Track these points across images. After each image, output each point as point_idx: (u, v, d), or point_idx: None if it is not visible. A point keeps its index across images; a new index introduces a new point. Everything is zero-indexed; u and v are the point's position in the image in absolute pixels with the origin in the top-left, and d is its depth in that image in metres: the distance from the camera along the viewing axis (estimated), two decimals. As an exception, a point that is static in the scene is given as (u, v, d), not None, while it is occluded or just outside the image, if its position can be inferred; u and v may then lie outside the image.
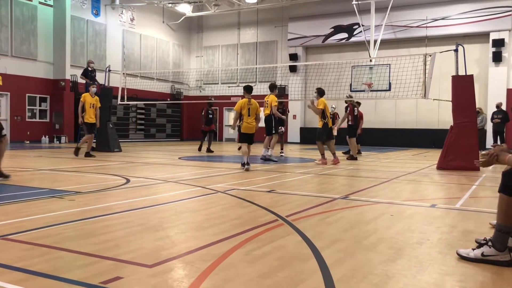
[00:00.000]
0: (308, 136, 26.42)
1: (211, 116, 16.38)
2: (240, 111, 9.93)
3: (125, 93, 16.63)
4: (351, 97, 15.26)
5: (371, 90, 24.12)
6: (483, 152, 3.33)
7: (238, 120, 10.31)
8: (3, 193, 6.17)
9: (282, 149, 15.03)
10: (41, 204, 5.14)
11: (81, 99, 13.18)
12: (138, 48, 27.41)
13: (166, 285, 2.60)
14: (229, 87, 29.37)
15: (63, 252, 3.20)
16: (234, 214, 4.78)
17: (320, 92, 12.06)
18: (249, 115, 9.86)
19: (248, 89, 10.19)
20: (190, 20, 30.48)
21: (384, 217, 4.75)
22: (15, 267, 2.82)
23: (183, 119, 30.77)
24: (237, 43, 29.89)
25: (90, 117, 13.09)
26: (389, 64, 22.72)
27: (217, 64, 30.37)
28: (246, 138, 10.04)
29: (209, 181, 7.68)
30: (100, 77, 17.64)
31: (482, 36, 22.78)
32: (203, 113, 16.38)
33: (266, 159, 12.29)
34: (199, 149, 16.49)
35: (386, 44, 23.94)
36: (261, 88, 25.39)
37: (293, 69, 26.63)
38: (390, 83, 22.97)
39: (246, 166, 9.57)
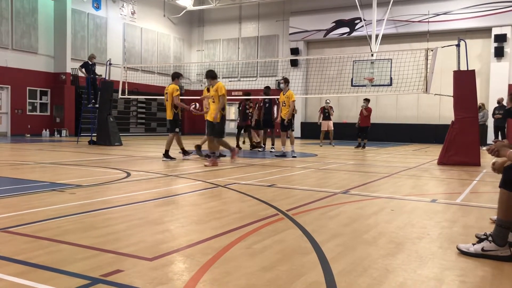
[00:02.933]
0: (309, 131, 26.43)
1: (248, 111, 14.74)
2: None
3: (126, 87, 16.60)
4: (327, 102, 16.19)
5: (372, 85, 24.09)
6: (484, 148, 3.33)
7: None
8: (4, 186, 6.18)
9: (273, 144, 14.58)
10: (42, 197, 5.15)
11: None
12: (139, 41, 27.35)
13: (166, 278, 2.60)
14: (230, 81, 29.31)
15: (63, 245, 3.21)
16: (235, 208, 4.79)
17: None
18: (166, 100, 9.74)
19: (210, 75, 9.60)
20: (191, 13, 30.39)
21: (385, 212, 4.76)
22: (16, 259, 2.83)
23: (184, 113, 30.71)
24: (238, 37, 29.82)
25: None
26: (391, 59, 22.68)
27: (218, 58, 30.30)
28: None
29: (210, 175, 7.68)
30: (100, 71, 17.62)
31: (484, 31, 22.70)
32: (240, 108, 15.23)
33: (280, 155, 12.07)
34: (238, 146, 14.15)
35: (387, 38, 23.87)
36: (262, 83, 25.39)
37: (294, 63, 26.57)
38: (391, 78, 22.95)
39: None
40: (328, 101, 18.33)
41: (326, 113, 18.02)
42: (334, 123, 18.52)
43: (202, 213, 4.57)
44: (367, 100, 17.34)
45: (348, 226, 4.06)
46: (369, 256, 3.12)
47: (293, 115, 12.04)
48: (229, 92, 27.87)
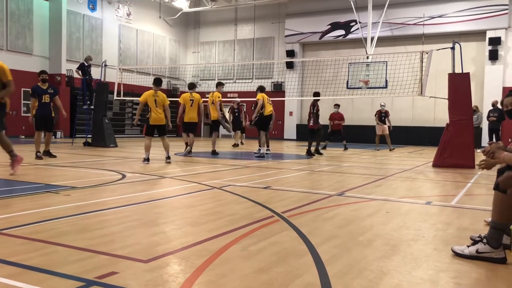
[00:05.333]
0: (304, 133, 26.44)
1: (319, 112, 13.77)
2: (145, 102, 10.01)
3: (122, 89, 16.56)
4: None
5: (367, 87, 24.15)
6: (478, 151, 3.35)
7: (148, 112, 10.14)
8: (3, 186, 6.15)
9: (267, 146, 14.60)
10: (37, 199, 5.12)
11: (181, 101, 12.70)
12: (134, 43, 27.29)
13: (161, 280, 2.59)
14: (225, 83, 29.27)
15: (58, 247, 3.19)
16: (230, 210, 4.78)
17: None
18: (156, 107, 9.91)
19: (156, 83, 10.27)
20: (187, 15, 30.36)
21: (380, 214, 4.77)
22: (10, 261, 2.81)
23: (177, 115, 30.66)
24: (234, 39, 29.82)
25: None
26: (386, 62, 22.75)
27: (214, 60, 30.28)
28: (153, 130, 10.09)
29: (205, 177, 7.67)
30: (96, 72, 17.56)
31: (478, 34, 22.81)
32: (314, 110, 13.60)
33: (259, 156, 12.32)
34: (309, 152, 13.46)
35: (383, 41, 23.95)
36: (258, 84, 25.38)
37: (290, 65, 26.60)
38: (386, 80, 23.02)
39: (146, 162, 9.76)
40: (383, 104, 17.69)
41: (382, 116, 17.38)
42: (325, 125, 18.22)
43: (197, 215, 4.56)
44: (337, 106, 17.73)
45: (344, 228, 4.06)
46: (364, 258, 3.12)
47: (261, 116, 12.56)
48: (224, 94, 27.85)
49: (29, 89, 20.84)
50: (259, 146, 12.73)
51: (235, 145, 17.70)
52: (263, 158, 11.94)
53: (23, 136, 21.25)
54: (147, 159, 9.81)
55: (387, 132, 17.39)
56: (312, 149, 13.76)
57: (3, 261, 2.81)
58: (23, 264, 2.76)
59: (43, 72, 10.63)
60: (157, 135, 10.16)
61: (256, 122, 12.69)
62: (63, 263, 2.82)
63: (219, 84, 13.02)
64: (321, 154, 13.92)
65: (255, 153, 12.76)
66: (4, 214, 4.25)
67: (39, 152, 10.22)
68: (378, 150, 17.42)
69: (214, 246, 3.30)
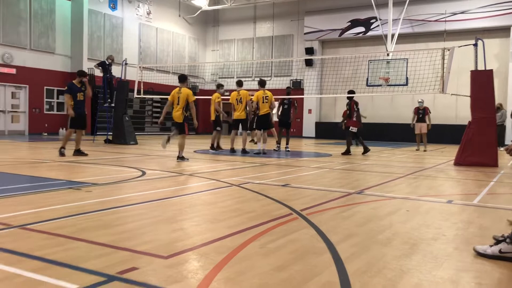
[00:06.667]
0: (323, 130, 26.34)
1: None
2: (172, 100, 10.03)
3: (141, 87, 16.73)
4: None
5: (388, 85, 23.90)
6: (502, 149, 3.29)
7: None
8: (22, 183, 6.29)
9: (281, 143, 14.55)
10: (59, 195, 5.22)
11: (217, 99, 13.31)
12: (154, 41, 27.53)
13: (181, 276, 2.62)
14: (244, 81, 29.33)
15: (80, 242, 3.25)
16: (249, 208, 4.80)
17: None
18: (178, 104, 9.89)
19: (179, 79, 10.20)
20: (206, 13, 30.49)
21: (400, 212, 4.72)
22: (34, 255, 2.88)
23: (198, 113, 30.86)
24: (253, 37, 29.82)
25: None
26: (407, 59, 22.47)
27: (232, 58, 30.35)
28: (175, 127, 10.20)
29: (224, 174, 7.71)
30: (116, 71, 17.78)
31: (502, 31, 22.33)
32: (355, 108, 13.37)
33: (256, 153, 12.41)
34: (347, 152, 13.09)
35: (403, 38, 23.65)
36: (277, 82, 25.37)
37: (309, 63, 26.49)
38: (407, 78, 22.74)
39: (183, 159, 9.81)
40: (421, 100, 16.40)
41: (420, 114, 16.03)
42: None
43: (216, 212, 4.59)
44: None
45: (363, 226, 4.04)
46: (383, 257, 3.10)
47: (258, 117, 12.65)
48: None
49: (51, 87, 20.99)
50: (277, 143, 12.81)
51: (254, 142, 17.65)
52: (261, 155, 11.88)
53: (45, 134, 21.65)
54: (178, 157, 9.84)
55: (425, 131, 16.07)
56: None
57: (28, 256, 2.88)
58: (47, 259, 2.82)
59: (83, 74, 10.67)
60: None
61: (255, 123, 12.79)
62: (85, 258, 2.87)
63: (239, 84, 12.85)
64: (349, 153, 13.10)
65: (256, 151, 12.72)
66: (28, 209, 4.35)
67: (64, 148, 10.34)
68: (418, 150, 16.37)
69: (233, 243, 3.32)
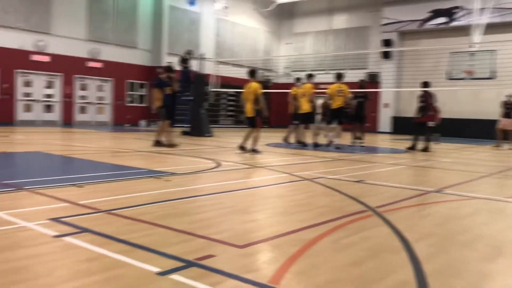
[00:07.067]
0: (401, 125, 25.43)
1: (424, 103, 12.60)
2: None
3: (217, 80, 17.14)
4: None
5: (471, 78, 22.56)
6: None
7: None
8: (106, 171, 6.72)
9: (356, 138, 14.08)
10: (141, 183, 5.52)
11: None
12: (230, 35, 28.05)
13: (255, 266, 2.69)
14: (318, 74, 29.05)
15: (161, 228, 3.43)
16: (321, 202, 4.78)
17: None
18: (248, 99, 10.02)
19: (249, 74, 10.34)
20: (281, 6, 30.49)
21: (482, 213, 4.48)
22: (120, 239, 3.08)
23: (271, 106, 31.05)
24: (328, 29, 29.40)
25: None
26: (495, 50, 21.05)
27: (306, 51, 30.15)
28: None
29: (296, 168, 7.72)
30: (194, 65, 18.35)
31: None
32: (430, 102, 12.57)
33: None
34: (413, 148, 12.51)
35: (491, 28, 22.12)
36: (352, 75, 24.86)
37: (386, 55, 25.64)
38: (494, 71, 21.32)
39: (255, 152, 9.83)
40: (509, 94, 15.17)
41: (508, 108, 14.93)
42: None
43: (288, 205, 4.63)
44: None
45: (442, 226, 3.88)
46: (464, 259, 2.97)
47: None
48: (316, 85, 27.64)
49: (133, 81, 22.06)
50: (355, 138, 12.74)
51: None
52: (336, 150, 11.73)
53: (127, 125, 22.88)
54: (250, 150, 9.94)
55: (511, 128, 14.92)
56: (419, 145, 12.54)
57: (114, 238, 3.09)
58: (132, 242, 3.01)
59: (171, 69, 11.14)
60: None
61: (329, 116, 12.81)
62: (166, 244, 3.03)
63: (339, 77, 12.59)
64: (413, 150, 12.44)
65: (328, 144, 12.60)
66: (114, 195, 4.65)
67: (161, 140, 10.81)
68: (498, 146, 15.18)
69: (305, 236, 3.34)
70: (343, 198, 5.04)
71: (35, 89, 19.83)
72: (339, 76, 12.49)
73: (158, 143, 10.94)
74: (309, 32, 30.26)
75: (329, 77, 28.91)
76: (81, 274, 2.48)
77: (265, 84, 29.41)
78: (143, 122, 23.24)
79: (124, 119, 23.06)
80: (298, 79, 14.06)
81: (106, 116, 22.66)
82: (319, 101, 14.15)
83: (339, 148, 12.03)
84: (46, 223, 3.40)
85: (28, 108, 19.66)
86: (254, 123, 10.09)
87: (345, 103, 12.29)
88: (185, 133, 16.65)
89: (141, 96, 24.03)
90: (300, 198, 5.00)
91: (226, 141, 14.32)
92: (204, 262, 2.67)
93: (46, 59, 19.80)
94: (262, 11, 29.81)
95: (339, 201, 4.86)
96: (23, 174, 6.12)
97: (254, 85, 10.06)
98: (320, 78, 28.24)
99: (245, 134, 10.14)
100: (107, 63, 22.09)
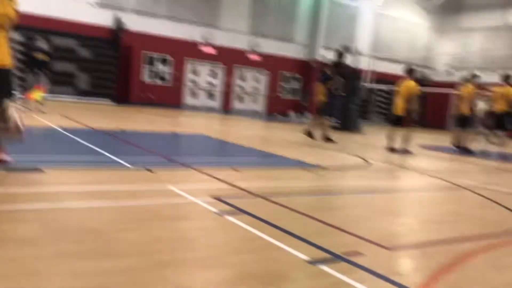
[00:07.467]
0: None
1: None
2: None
3: (371, 76, 16.81)
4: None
5: None
6: None
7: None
8: (261, 157, 7.16)
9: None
10: (293, 173, 5.78)
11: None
12: (388, 31, 27.11)
13: (403, 270, 2.69)
14: (484, 74, 26.46)
15: (311, 219, 3.59)
16: (477, 214, 4.48)
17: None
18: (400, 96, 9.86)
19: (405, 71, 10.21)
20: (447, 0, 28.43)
21: None
22: (274, 224, 3.32)
23: (428, 106, 29.25)
24: (501, 25, 26.53)
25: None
26: None
27: (472, 48, 27.63)
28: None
29: (453, 175, 7.26)
30: (348, 60, 18.24)
31: None
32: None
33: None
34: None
35: None
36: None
37: None
38: None
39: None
40: None
41: None
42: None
43: (442, 213, 4.43)
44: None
45: None
46: None
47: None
48: (480, 86, 25.14)
49: (287, 73, 22.67)
50: None
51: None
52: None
53: (279, 115, 23.78)
54: (402, 150, 9.65)
55: None
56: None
57: (269, 223, 3.34)
58: (284, 229, 3.22)
59: (337, 65, 11.46)
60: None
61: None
62: (316, 235, 3.18)
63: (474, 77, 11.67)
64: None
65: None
66: (267, 182, 4.97)
67: (313, 132, 11.12)
68: None
69: (459, 248, 3.19)
70: (503, 211, 4.63)
71: (201, 78, 21.83)
72: (507, 77, 11.27)
73: (309, 135, 11.20)
74: (477, 27, 27.68)
75: (495, 78, 26.23)
76: (240, 250, 2.76)
77: (424, 82, 27.86)
78: (292, 114, 23.92)
79: (276, 109, 24.01)
80: (474, 76, 12.41)
81: (260, 105, 23.87)
82: (482, 104, 12.94)
83: (505, 157, 10.89)
84: (210, 201, 3.81)
85: (193, 94, 21.76)
86: (401, 122, 9.83)
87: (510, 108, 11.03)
88: (334, 128, 16.71)
89: (294, 89, 24.72)
90: (454, 207, 4.75)
91: (376, 138, 14.02)
92: (350, 258, 2.75)
93: (212, 50, 21.57)
94: (425, 5, 28.16)
95: (497, 214, 4.49)
96: (188, 153, 6.91)
97: (410, 83, 9.76)
98: (485, 78, 25.77)
99: (388, 133, 9.95)
100: (264, 55, 23.19)
